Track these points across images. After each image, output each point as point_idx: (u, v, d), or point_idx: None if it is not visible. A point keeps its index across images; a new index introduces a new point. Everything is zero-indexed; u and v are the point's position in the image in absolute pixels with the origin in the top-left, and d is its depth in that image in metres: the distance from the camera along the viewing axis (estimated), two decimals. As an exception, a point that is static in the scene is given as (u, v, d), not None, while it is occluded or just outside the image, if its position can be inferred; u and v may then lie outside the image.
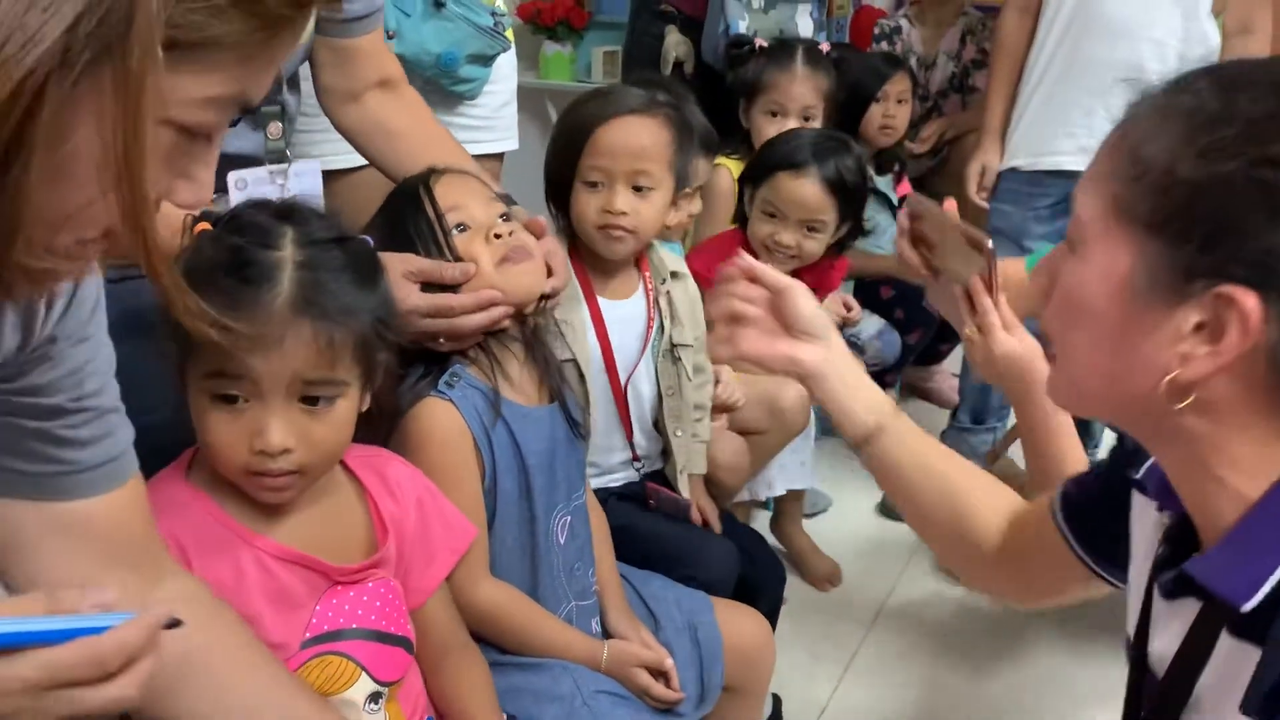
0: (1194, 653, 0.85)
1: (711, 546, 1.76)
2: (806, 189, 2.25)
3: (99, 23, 0.59)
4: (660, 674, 1.49)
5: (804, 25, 3.22)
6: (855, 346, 2.88)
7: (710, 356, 1.87)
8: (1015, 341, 1.39)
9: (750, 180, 2.34)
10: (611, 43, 4.62)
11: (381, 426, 1.31)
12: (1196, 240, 0.78)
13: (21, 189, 0.62)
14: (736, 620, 1.64)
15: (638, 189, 1.67)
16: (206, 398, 1.07)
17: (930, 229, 1.49)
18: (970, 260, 1.43)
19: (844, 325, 2.84)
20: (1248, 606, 0.79)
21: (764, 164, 2.32)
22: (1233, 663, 0.82)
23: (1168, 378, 0.80)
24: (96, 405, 0.90)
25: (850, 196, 2.29)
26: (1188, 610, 0.87)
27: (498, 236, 1.39)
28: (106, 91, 0.61)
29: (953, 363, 3.36)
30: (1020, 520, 1.18)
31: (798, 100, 2.70)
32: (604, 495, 1.75)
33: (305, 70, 1.61)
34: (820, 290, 2.46)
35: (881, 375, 3.10)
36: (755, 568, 1.83)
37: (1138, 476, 0.98)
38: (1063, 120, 2.67)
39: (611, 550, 1.61)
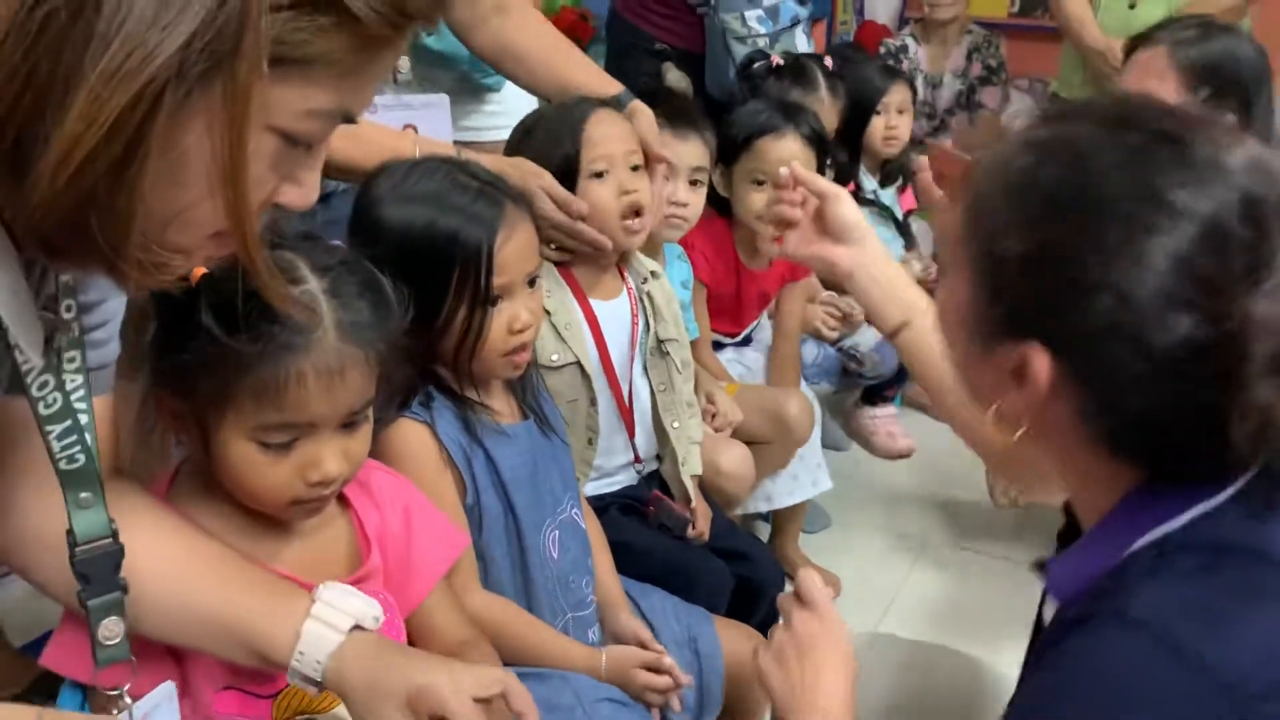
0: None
1: (706, 567, 1.76)
2: (791, 146, 2.33)
3: (211, 39, 0.66)
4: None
5: (802, 44, 3.20)
6: (854, 358, 2.87)
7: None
8: None
9: (726, 160, 2.38)
10: (615, 54, 4.61)
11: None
12: (1003, 303, 0.85)
13: (138, 187, 0.68)
14: (733, 640, 1.63)
15: (634, 169, 1.72)
16: (253, 446, 1.05)
17: (946, 167, 1.74)
18: None
19: (842, 335, 2.84)
20: (1064, 603, 0.87)
21: (740, 138, 2.38)
22: None
23: (993, 407, 0.89)
24: (114, 310, 0.97)
25: (823, 149, 2.41)
26: None
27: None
28: (216, 101, 0.68)
29: (953, 378, 3.35)
30: None
31: (827, 128, 2.65)
32: (604, 504, 1.76)
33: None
34: (795, 276, 2.50)
35: (882, 389, 3.10)
36: (757, 570, 1.84)
37: None
38: None
39: (609, 555, 1.61)
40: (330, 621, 1.02)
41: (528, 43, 1.85)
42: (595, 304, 1.76)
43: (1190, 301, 0.75)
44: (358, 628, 1.02)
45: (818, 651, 1.04)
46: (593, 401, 1.73)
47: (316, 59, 0.72)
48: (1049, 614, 0.93)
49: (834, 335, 2.78)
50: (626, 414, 1.79)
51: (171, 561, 1.02)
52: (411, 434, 1.36)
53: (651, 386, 1.83)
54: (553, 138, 1.71)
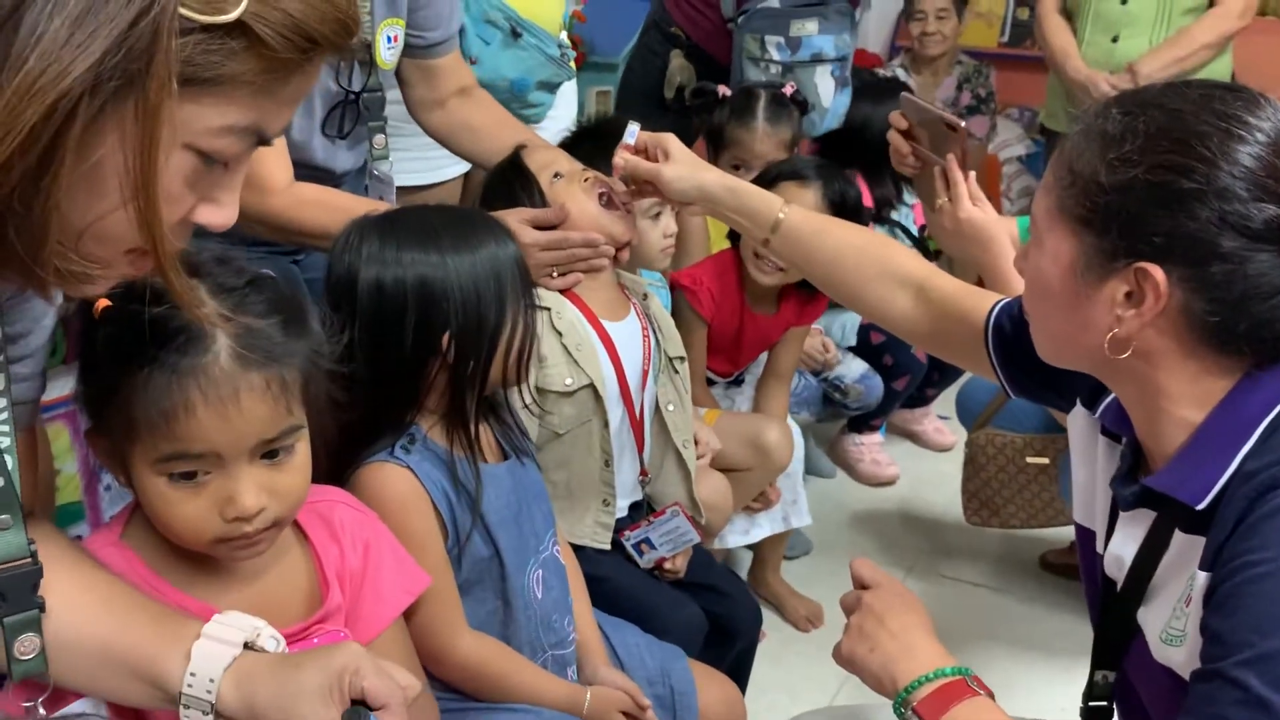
0: (1152, 551, 1.07)
1: (678, 613, 1.75)
2: (807, 197, 2.26)
3: (123, 59, 0.71)
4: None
5: (824, 87, 3.13)
6: (838, 389, 2.88)
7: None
8: (979, 211, 1.65)
9: None
10: (605, 83, 4.63)
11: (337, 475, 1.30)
12: (1115, 230, 1.00)
13: (53, 195, 0.74)
14: (706, 686, 1.62)
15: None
16: (162, 480, 1.02)
17: (917, 122, 1.73)
18: (948, 141, 1.65)
19: (822, 369, 2.84)
20: (1202, 505, 1.00)
21: (768, 175, 2.34)
22: (1183, 554, 1.04)
23: (1109, 335, 1.03)
24: (36, 345, 0.98)
25: (846, 218, 2.26)
26: (1141, 520, 1.09)
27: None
28: (129, 115, 0.73)
29: (938, 406, 3.36)
30: (945, 311, 1.42)
31: (761, 157, 2.62)
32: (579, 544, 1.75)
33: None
34: (800, 321, 2.49)
35: (867, 418, 3.11)
36: (732, 609, 1.83)
37: (1096, 415, 1.19)
38: None
39: (586, 593, 1.60)
40: (221, 637, 0.97)
41: (484, 118, 2.00)
42: (607, 325, 1.74)
43: (1271, 190, 0.96)
44: (251, 647, 0.97)
45: (892, 614, 1.13)
46: (605, 424, 1.71)
47: (229, 79, 0.77)
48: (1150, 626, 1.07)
49: (821, 360, 2.79)
50: (638, 430, 1.77)
51: (65, 597, 0.98)
52: (390, 477, 1.33)
53: (659, 405, 1.82)
54: (500, 181, 1.74)
